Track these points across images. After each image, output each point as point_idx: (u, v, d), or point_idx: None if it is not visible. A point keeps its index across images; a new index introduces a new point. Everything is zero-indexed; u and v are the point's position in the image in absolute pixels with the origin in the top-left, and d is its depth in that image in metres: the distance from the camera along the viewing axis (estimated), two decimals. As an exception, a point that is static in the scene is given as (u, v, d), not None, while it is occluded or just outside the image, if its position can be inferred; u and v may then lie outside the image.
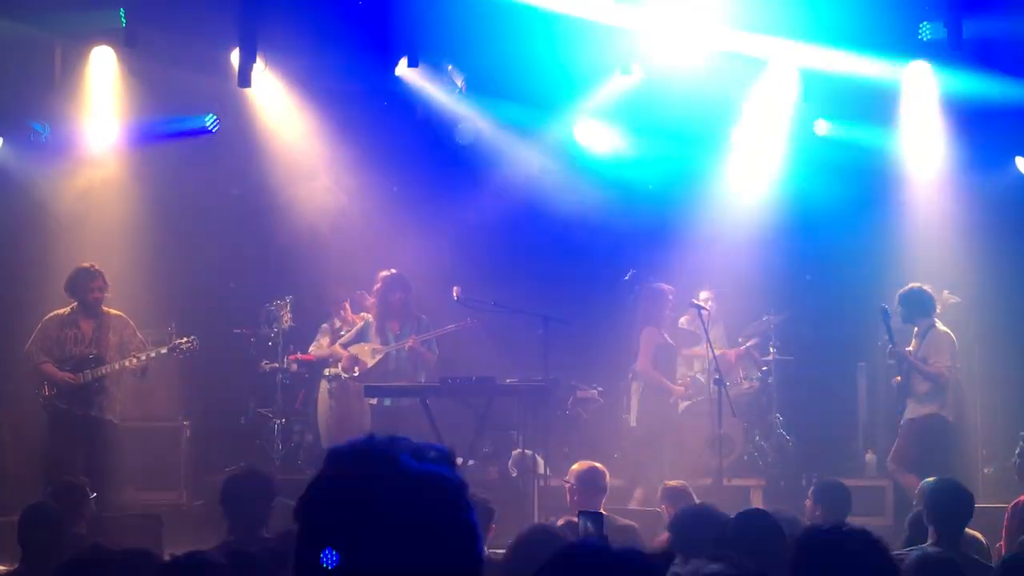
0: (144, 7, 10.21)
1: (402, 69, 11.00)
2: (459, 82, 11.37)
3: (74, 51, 10.95)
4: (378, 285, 10.15)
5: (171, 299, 10.67)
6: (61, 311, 9.08)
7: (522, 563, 4.10)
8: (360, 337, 10.35)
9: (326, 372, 10.97)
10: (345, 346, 10.42)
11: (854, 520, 5.48)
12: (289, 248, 11.73)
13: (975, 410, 10.43)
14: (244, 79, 10.28)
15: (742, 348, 11.27)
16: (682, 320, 10.89)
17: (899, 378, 9.46)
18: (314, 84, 11.52)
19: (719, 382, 9.32)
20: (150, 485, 10.49)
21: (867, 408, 11.50)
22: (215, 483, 6.43)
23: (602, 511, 5.87)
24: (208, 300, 11.44)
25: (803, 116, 11.49)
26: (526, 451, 9.36)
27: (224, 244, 11.60)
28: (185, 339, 9.29)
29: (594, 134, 12.05)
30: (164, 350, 9.18)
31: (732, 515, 4.89)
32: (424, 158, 12.11)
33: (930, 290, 9.46)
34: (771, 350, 11.13)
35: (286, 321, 11.16)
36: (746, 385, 11.18)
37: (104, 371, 8.92)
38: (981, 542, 6.14)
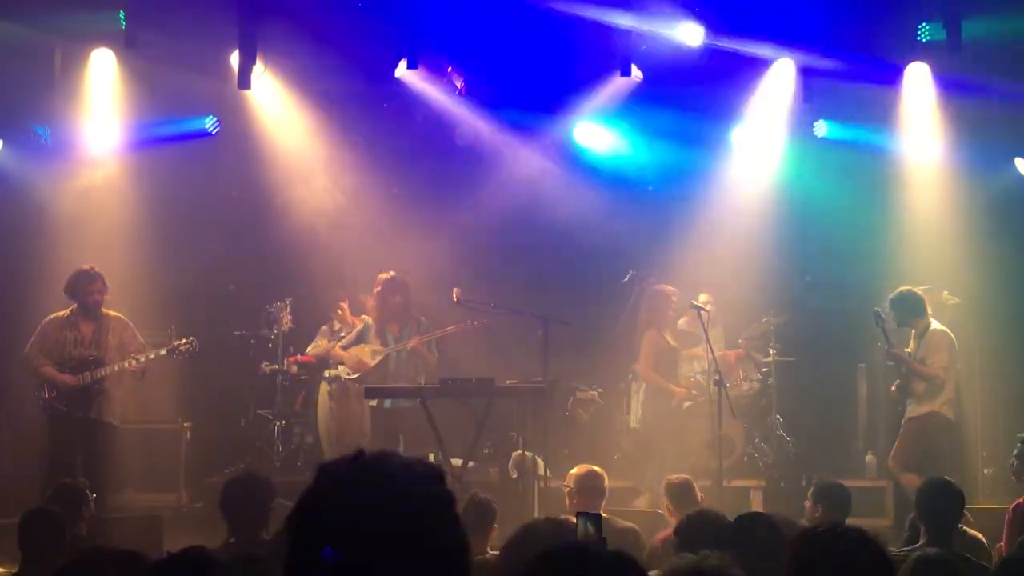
0: (144, 9, 10.22)
1: (402, 71, 11.01)
2: (459, 83, 11.37)
3: (74, 53, 10.95)
4: (378, 288, 10.15)
5: (171, 301, 10.66)
6: (60, 313, 9.08)
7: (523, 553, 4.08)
8: (360, 339, 10.35)
9: (326, 374, 10.97)
10: (345, 348, 10.42)
11: (854, 521, 5.48)
12: (289, 250, 11.72)
13: (975, 411, 10.42)
14: (244, 81, 10.28)
15: (741, 350, 11.28)
16: (681, 321, 10.89)
17: (898, 382, 9.44)
18: (314, 86, 11.53)
19: (719, 383, 9.32)
20: (150, 487, 10.50)
21: (867, 409, 11.51)
22: (215, 485, 6.45)
23: (602, 513, 5.86)
24: (208, 302, 11.46)
25: (803, 116, 11.49)
26: (526, 452, 9.35)
27: (224, 246, 11.61)
28: (184, 340, 9.29)
29: (594, 134, 12.06)
30: (163, 352, 9.18)
31: (732, 517, 4.88)
32: (424, 159, 12.12)
33: (919, 291, 9.43)
34: (771, 351, 11.13)
35: (286, 323, 11.17)
36: (746, 386, 11.17)
37: (104, 373, 8.92)
38: (982, 542, 6.14)
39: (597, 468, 7.06)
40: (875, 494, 10.20)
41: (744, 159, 11.91)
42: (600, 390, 11.38)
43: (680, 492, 6.92)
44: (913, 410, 9.32)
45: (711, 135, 11.78)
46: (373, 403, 9.94)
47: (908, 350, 9.41)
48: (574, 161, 12.11)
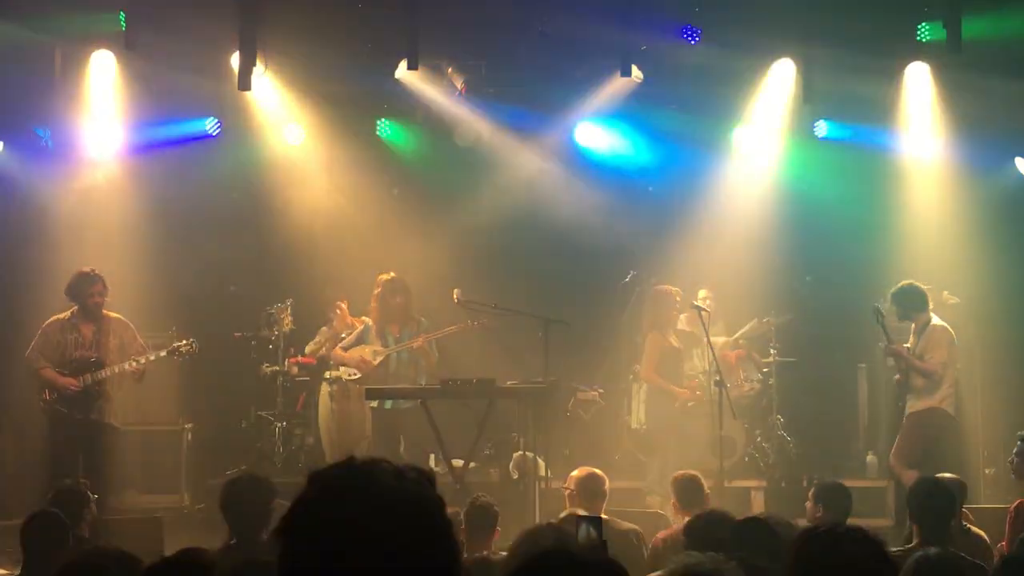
0: (144, 10, 10.22)
1: (402, 71, 11.00)
2: (459, 84, 11.36)
3: (74, 54, 10.93)
4: (378, 289, 10.14)
5: (171, 302, 10.66)
6: (61, 315, 9.08)
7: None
8: (360, 341, 10.34)
9: (327, 375, 10.96)
10: (345, 350, 10.40)
11: (855, 521, 5.47)
12: (289, 251, 11.72)
13: (976, 410, 10.41)
14: (244, 82, 10.28)
15: (742, 351, 11.28)
16: (681, 319, 10.89)
17: (899, 377, 9.46)
18: (314, 87, 11.52)
19: (720, 383, 9.31)
20: (151, 488, 10.51)
21: (868, 409, 11.50)
22: (216, 486, 6.44)
23: (603, 515, 5.85)
24: (208, 303, 11.45)
25: (803, 116, 11.49)
26: (527, 453, 9.35)
27: (224, 247, 11.60)
28: (184, 342, 9.29)
29: (594, 134, 12.06)
30: (164, 353, 9.18)
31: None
32: (424, 160, 12.12)
33: (923, 286, 9.44)
34: (771, 352, 11.12)
35: (286, 324, 11.16)
36: (747, 387, 11.17)
37: (104, 375, 8.92)
38: (985, 541, 6.14)
39: (598, 470, 7.05)
40: (876, 494, 10.20)
41: (744, 159, 11.91)
42: (601, 390, 11.38)
43: (687, 488, 6.88)
44: (913, 405, 9.33)
45: (711, 135, 11.77)
46: (374, 404, 9.93)
47: (907, 345, 9.41)
48: (574, 161, 12.10)
